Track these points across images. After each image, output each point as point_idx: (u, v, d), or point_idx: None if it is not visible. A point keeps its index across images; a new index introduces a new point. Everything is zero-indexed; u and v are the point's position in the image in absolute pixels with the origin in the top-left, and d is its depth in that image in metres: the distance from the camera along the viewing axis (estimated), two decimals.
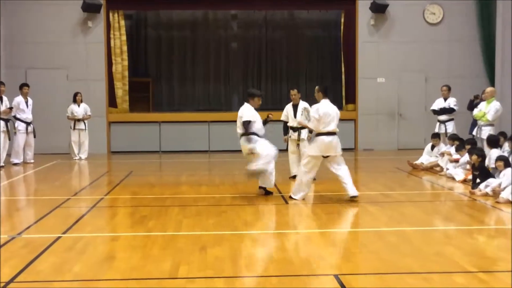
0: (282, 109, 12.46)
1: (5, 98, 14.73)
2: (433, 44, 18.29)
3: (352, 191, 9.33)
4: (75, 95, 16.50)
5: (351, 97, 18.51)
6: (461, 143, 12.50)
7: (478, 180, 10.36)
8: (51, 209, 9.06)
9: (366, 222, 8.20)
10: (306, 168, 9.52)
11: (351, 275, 5.77)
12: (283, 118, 12.18)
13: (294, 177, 11.60)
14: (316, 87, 9.71)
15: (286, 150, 12.25)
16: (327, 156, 9.42)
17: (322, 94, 9.55)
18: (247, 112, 10.24)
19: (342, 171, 9.41)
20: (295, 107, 11.87)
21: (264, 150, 9.90)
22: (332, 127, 9.33)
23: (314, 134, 9.67)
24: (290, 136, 12.02)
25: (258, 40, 20.30)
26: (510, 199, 9.18)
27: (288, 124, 12.04)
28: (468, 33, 18.25)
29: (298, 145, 11.84)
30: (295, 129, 11.86)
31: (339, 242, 7.12)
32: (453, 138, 13.20)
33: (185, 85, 20.18)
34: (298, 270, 5.97)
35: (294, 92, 12.05)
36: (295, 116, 11.80)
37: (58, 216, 8.69)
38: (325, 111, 9.32)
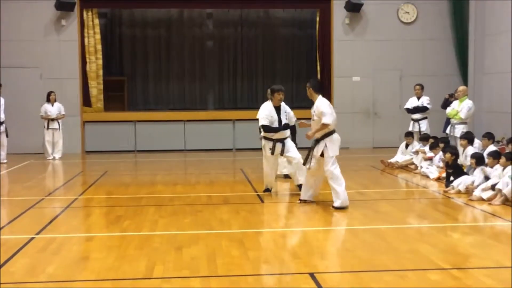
0: (257, 108, 12.40)
1: None
2: (407, 43, 18.43)
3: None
4: (49, 94, 16.34)
5: (327, 96, 18.29)
6: (435, 141, 12.63)
7: (451, 178, 10.46)
8: (25, 210, 8.96)
9: (341, 220, 8.24)
10: (335, 171, 8.77)
11: (327, 273, 5.80)
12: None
13: (285, 176, 11.59)
14: (307, 84, 9.10)
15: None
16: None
17: (314, 90, 8.96)
18: (262, 111, 9.90)
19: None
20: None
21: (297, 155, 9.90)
22: (336, 122, 8.99)
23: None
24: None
25: (233, 38, 20.28)
26: (483, 197, 9.29)
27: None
28: (441, 32, 18.43)
29: None
30: None
31: (315, 241, 7.14)
32: (424, 138, 13.33)
33: (160, 84, 20.09)
34: (275, 269, 5.98)
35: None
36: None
37: (32, 216, 8.60)
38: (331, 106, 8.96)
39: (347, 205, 8.74)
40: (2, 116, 15.17)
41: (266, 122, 9.74)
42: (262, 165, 12.08)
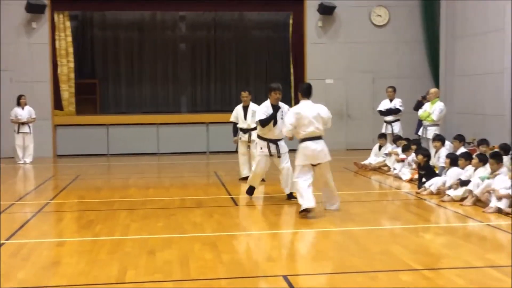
0: (231, 110, 12.45)
1: None
2: (379, 45, 18.56)
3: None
4: (19, 98, 16.13)
5: None
6: (408, 143, 12.74)
7: (424, 179, 10.56)
8: None
9: (314, 223, 8.25)
10: (296, 176, 8.60)
11: (300, 276, 5.80)
12: (232, 119, 12.17)
13: (244, 178, 11.61)
14: (299, 88, 9.00)
15: (236, 151, 12.24)
16: (317, 164, 8.56)
17: (301, 94, 8.70)
18: (259, 109, 9.76)
19: (330, 180, 8.74)
20: (245, 109, 11.87)
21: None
22: (311, 129, 8.43)
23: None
24: (240, 138, 11.99)
25: (207, 41, 20.22)
26: (452, 195, 9.39)
27: (238, 125, 12.02)
28: (413, 35, 18.61)
29: (248, 146, 11.80)
30: (245, 130, 11.84)
31: (288, 243, 7.15)
32: (397, 139, 13.48)
33: (132, 87, 19.94)
34: (248, 271, 5.97)
35: (245, 94, 12.03)
36: (245, 118, 11.81)
37: (2, 222, 8.46)
38: (299, 113, 8.46)
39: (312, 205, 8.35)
40: None
41: (262, 117, 9.50)
42: (239, 166, 12.11)
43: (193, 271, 5.90)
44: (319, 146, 8.48)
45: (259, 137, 9.75)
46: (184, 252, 6.57)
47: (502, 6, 14.72)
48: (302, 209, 8.31)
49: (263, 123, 9.48)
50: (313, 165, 8.53)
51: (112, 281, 5.61)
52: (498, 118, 14.93)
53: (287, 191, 9.63)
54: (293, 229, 7.66)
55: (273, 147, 9.54)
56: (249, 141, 11.71)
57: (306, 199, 8.29)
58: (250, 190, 10.02)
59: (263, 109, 9.59)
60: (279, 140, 9.57)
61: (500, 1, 14.83)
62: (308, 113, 8.43)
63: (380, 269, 5.86)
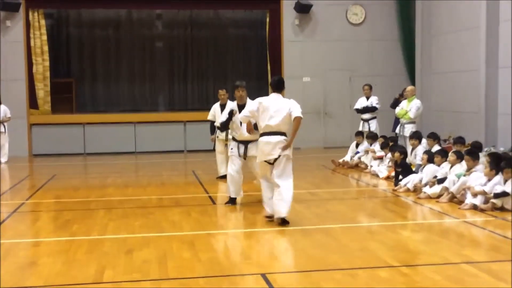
0: (208, 109, 12.42)
1: None
2: (356, 43, 18.65)
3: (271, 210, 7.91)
4: None
5: None
6: (385, 140, 12.83)
7: (400, 177, 10.63)
8: None
9: (293, 221, 8.25)
10: (260, 177, 8.24)
11: (278, 274, 5.81)
12: (210, 117, 12.13)
13: (222, 177, 11.59)
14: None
15: (213, 150, 12.21)
16: (274, 161, 7.79)
17: (271, 87, 8.20)
18: (224, 112, 9.66)
19: (285, 186, 7.72)
20: (222, 107, 11.70)
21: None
22: (271, 123, 7.74)
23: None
24: (217, 136, 11.96)
25: (183, 39, 20.15)
26: (429, 193, 9.47)
27: (215, 124, 11.95)
28: (389, 33, 18.73)
29: (226, 145, 11.69)
30: (222, 129, 11.81)
31: (266, 241, 7.15)
32: (371, 137, 13.55)
33: (109, 85, 19.80)
34: (226, 270, 5.96)
35: (222, 92, 11.97)
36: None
37: None
38: (261, 102, 7.89)
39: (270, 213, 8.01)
40: None
41: (220, 120, 9.39)
42: (217, 165, 12.08)
43: (171, 270, 5.88)
44: (274, 139, 7.71)
45: (232, 138, 9.56)
46: (162, 251, 6.55)
47: (477, 4, 14.87)
48: (265, 215, 8.10)
49: (223, 126, 9.37)
50: (271, 164, 7.80)
51: (90, 281, 5.57)
52: (473, 115, 15.09)
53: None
54: (271, 228, 7.66)
55: (241, 148, 9.02)
56: (227, 139, 11.61)
57: (268, 207, 8.04)
58: (231, 200, 9.28)
59: (225, 111, 9.42)
60: (251, 142, 8.91)
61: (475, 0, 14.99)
62: (271, 105, 7.79)
63: (359, 266, 5.89)
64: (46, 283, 5.54)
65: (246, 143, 9.00)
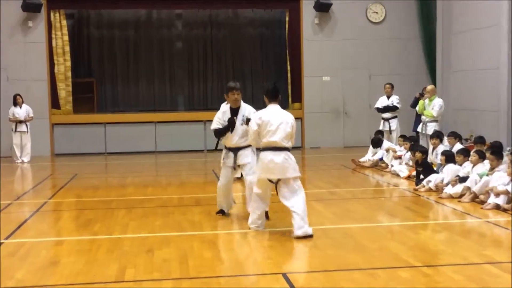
0: None
1: None
2: (376, 42, 18.57)
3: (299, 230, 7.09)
4: (15, 97, 16.10)
5: (297, 96, 18.63)
6: (405, 139, 12.77)
7: (422, 176, 10.57)
8: None
9: (312, 220, 8.23)
10: (256, 187, 7.49)
11: (299, 273, 5.81)
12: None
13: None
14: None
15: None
16: (278, 181, 7.19)
17: (267, 97, 7.37)
18: (216, 116, 8.30)
19: (295, 202, 7.13)
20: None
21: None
22: (275, 138, 7.08)
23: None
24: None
25: (203, 39, 20.21)
26: (451, 192, 9.40)
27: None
28: (409, 31, 18.62)
29: None
30: None
31: (286, 241, 7.14)
32: (403, 138, 13.18)
33: (129, 85, 19.94)
34: (247, 269, 5.98)
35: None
36: None
37: (0, 221, 8.46)
38: (264, 119, 7.15)
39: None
40: None
41: (215, 126, 8.17)
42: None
43: (192, 269, 5.90)
44: (279, 158, 7.07)
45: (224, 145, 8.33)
46: (182, 251, 6.57)
47: (497, 2, 14.73)
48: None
49: (217, 134, 8.16)
50: (275, 183, 7.22)
51: (111, 280, 5.61)
52: (493, 114, 14.95)
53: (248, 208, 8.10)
54: (291, 227, 7.65)
55: (231, 157, 8.10)
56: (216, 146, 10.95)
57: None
58: (221, 211, 8.55)
59: (219, 115, 8.14)
60: (241, 148, 8.06)
61: None
62: (273, 120, 7.12)
63: (379, 266, 5.86)
64: (67, 282, 5.59)
65: (236, 150, 8.07)
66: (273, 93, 7.37)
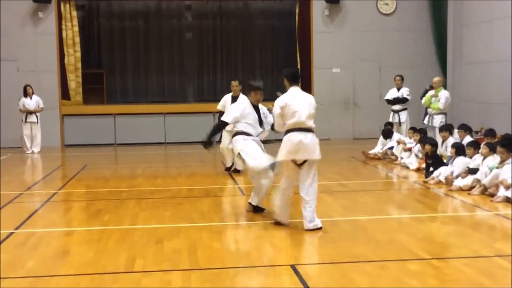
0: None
1: None
2: (386, 34, 18.48)
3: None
4: (25, 88, 16.15)
5: (307, 87, 18.55)
6: (415, 131, 12.71)
7: (431, 169, 10.53)
8: (3, 205, 8.87)
9: (322, 212, 8.22)
10: (283, 176, 7.29)
11: (308, 265, 5.81)
12: (219, 107, 11.72)
13: (228, 168, 11.51)
14: (283, 73, 7.60)
15: (219, 141, 11.65)
16: (303, 163, 7.05)
17: (288, 80, 7.33)
18: (235, 106, 8.21)
19: (310, 192, 7.07)
20: (234, 99, 11.10)
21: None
22: (301, 119, 7.01)
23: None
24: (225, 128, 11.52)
25: (212, 30, 20.18)
26: (461, 184, 9.37)
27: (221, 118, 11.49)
28: (420, 23, 18.52)
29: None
30: None
31: (295, 232, 7.14)
32: (413, 130, 13.13)
33: (139, 76, 19.94)
34: (256, 261, 5.98)
35: (235, 83, 11.53)
36: None
37: (11, 211, 8.51)
38: (287, 102, 7.09)
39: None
40: None
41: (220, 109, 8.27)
42: (224, 157, 11.61)
43: (201, 260, 5.91)
44: (307, 139, 7.00)
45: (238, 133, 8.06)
46: (192, 242, 6.59)
47: None
48: (275, 220, 7.47)
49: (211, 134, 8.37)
50: (299, 165, 7.08)
51: (120, 270, 5.63)
52: (504, 107, 14.86)
53: (255, 202, 8.07)
54: (300, 219, 7.65)
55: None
56: None
57: (283, 216, 7.38)
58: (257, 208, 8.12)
59: (239, 106, 8.00)
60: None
61: None
62: (296, 101, 7.10)
63: (389, 259, 5.85)
64: (77, 272, 5.61)
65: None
66: (294, 75, 7.38)
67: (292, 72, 7.43)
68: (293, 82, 7.33)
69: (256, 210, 8.01)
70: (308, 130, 7.05)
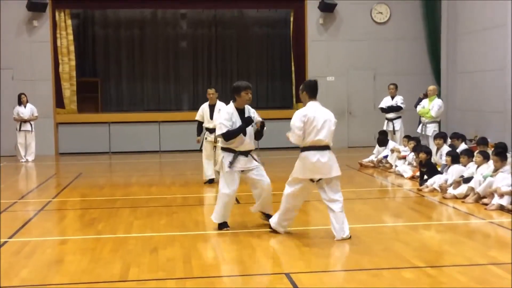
0: None
1: None
2: (380, 42, 18.55)
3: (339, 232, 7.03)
4: (19, 96, 16.15)
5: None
6: (410, 140, 12.74)
7: (425, 177, 10.56)
8: None
9: (316, 220, 8.26)
10: (289, 189, 7.19)
11: (302, 273, 5.81)
12: (198, 118, 11.60)
13: (209, 181, 11.39)
14: (301, 86, 7.26)
15: (200, 151, 11.67)
16: (319, 180, 7.02)
17: (308, 94, 7.09)
18: (220, 117, 7.60)
19: (337, 205, 7.06)
20: (211, 107, 11.20)
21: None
22: (320, 136, 6.88)
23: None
24: (206, 138, 11.35)
25: (207, 39, 20.23)
26: (455, 193, 9.39)
27: (204, 125, 11.41)
28: (414, 32, 18.60)
29: (214, 147, 11.06)
30: (211, 130, 10.95)
31: (290, 241, 7.14)
32: (407, 138, 13.17)
33: (134, 85, 19.97)
34: (250, 269, 5.98)
35: (211, 91, 11.39)
36: (211, 117, 11.08)
37: (4, 220, 8.48)
38: (310, 117, 6.87)
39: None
40: None
41: (224, 129, 7.40)
42: (203, 168, 11.36)
43: (196, 269, 5.91)
44: (325, 158, 6.90)
45: (224, 149, 7.57)
46: (186, 250, 6.58)
47: (503, 2, 14.70)
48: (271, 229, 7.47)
49: (230, 136, 7.39)
50: (314, 181, 7.04)
51: (115, 279, 5.63)
52: (499, 115, 14.92)
53: (267, 210, 7.90)
54: (295, 227, 7.65)
55: (243, 160, 7.48)
56: (215, 141, 10.84)
57: (279, 227, 7.36)
58: (224, 224, 7.67)
59: (225, 117, 7.41)
60: (251, 151, 7.61)
61: None
62: (318, 117, 6.91)
63: (383, 267, 5.86)
64: (71, 281, 5.60)
65: (247, 153, 7.54)
66: (315, 88, 7.11)
67: (313, 84, 7.13)
68: (313, 95, 7.09)
69: (267, 217, 7.78)
70: (326, 148, 6.94)
